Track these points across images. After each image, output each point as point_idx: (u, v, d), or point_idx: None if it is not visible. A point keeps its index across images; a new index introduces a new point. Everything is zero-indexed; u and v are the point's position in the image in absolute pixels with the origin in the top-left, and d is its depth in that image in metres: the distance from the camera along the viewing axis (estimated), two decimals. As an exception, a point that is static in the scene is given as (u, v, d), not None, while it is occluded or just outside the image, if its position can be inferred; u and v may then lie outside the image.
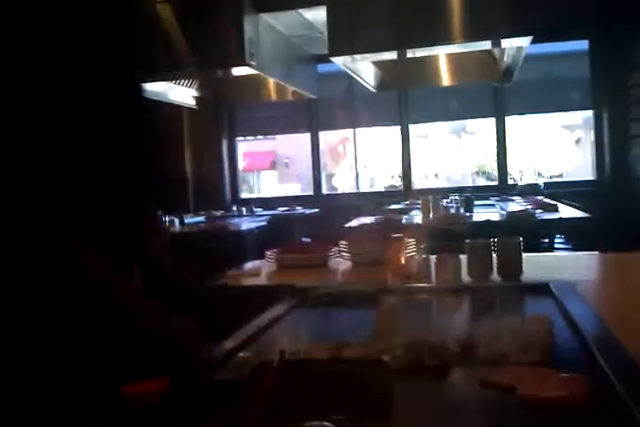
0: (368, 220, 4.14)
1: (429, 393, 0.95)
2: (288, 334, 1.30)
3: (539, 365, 1.00)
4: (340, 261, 2.20)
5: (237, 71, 4.19)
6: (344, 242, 2.17)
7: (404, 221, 4.08)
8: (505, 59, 4.59)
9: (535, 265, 1.86)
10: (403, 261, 1.78)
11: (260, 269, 2.14)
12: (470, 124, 13.12)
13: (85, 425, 0.73)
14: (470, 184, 10.45)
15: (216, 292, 1.18)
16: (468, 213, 4.37)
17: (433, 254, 1.79)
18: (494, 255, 1.76)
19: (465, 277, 1.74)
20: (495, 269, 1.75)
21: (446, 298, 1.62)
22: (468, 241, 1.76)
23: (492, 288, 1.68)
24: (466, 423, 0.85)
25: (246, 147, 11.47)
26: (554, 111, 8.04)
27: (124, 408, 0.63)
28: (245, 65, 3.87)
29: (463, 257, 1.77)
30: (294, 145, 12.44)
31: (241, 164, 8.21)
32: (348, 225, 3.96)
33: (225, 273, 1.96)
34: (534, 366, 1.00)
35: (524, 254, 1.76)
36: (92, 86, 1.10)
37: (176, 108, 5.08)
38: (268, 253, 2.19)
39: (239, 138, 7.67)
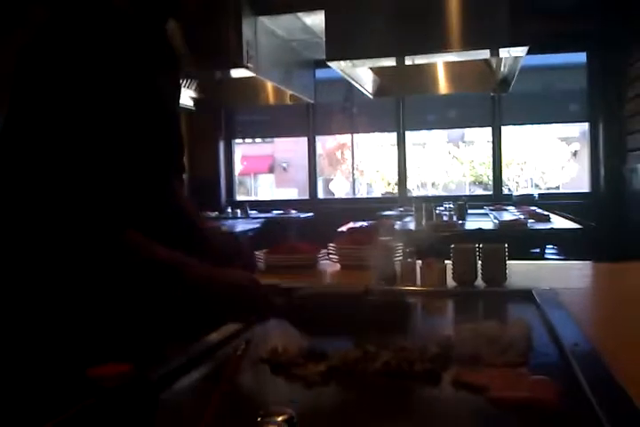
0: (360, 224, 4.15)
1: (401, 392, 0.96)
2: (270, 331, 1.30)
3: (514, 367, 1.01)
4: (329, 264, 2.21)
5: (235, 73, 4.22)
6: (332, 244, 2.18)
7: (396, 226, 4.09)
8: (502, 68, 4.62)
9: (521, 272, 1.87)
10: (389, 265, 1.78)
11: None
12: (468, 133, 13.18)
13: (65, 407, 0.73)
14: (466, 193, 10.48)
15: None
16: (460, 221, 4.39)
17: (419, 259, 1.80)
18: (479, 261, 1.77)
19: (450, 281, 1.75)
20: (480, 274, 1.75)
21: (429, 301, 1.63)
22: (453, 245, 1.76)
23: (475, 293, 1.69)
24: (436, 422, 0.86)
25: (244, 150, 11.48)
26: (550, 122, 8.09)
27: (98, 388, 0.64)
28: (243, 67, 3.89)
29: (449, 262, 1.78)
30: (292, 149, 12.47)
31: (238, 167, 8.21)
32: (339, 229, 3.97)
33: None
34: (508, 368, 1.00)
35: (511, 262, 1.77)
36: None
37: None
38: (256, 253, 2.19)
39: (237, 140, 7.68)
